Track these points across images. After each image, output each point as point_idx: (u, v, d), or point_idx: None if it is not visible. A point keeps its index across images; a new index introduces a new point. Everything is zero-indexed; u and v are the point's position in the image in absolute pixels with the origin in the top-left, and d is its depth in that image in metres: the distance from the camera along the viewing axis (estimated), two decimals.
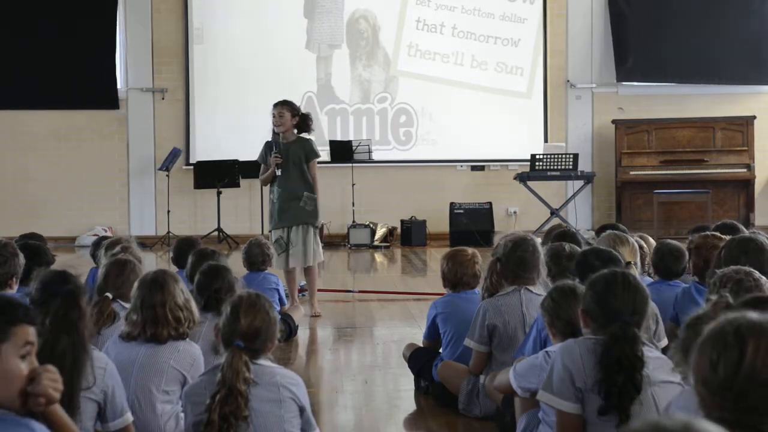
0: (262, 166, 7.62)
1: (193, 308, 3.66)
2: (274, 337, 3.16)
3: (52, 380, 2.34)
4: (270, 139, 7.57)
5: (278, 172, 7.40)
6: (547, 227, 9.12)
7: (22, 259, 4.43)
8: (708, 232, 5.03)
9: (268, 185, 7.64)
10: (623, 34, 13.47)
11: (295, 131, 7.45)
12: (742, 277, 3.50)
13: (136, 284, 3.70)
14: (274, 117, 7.39)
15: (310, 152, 7.45)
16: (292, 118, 7.41)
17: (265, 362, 3.15)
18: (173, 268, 5.49)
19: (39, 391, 2.28)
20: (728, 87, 13.55)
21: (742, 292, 3.33)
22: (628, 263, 4.35)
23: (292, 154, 7.42)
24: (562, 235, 5.35)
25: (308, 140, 7.51)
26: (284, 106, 7.42)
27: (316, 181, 7.49)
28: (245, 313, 3.10)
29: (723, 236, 4.82)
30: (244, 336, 3.08)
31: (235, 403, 3.01)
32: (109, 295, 3.95)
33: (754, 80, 13.54)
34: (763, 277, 3.55)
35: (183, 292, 3.64)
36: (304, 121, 7.44)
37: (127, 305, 3.98)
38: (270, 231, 7.70)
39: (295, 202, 7.40)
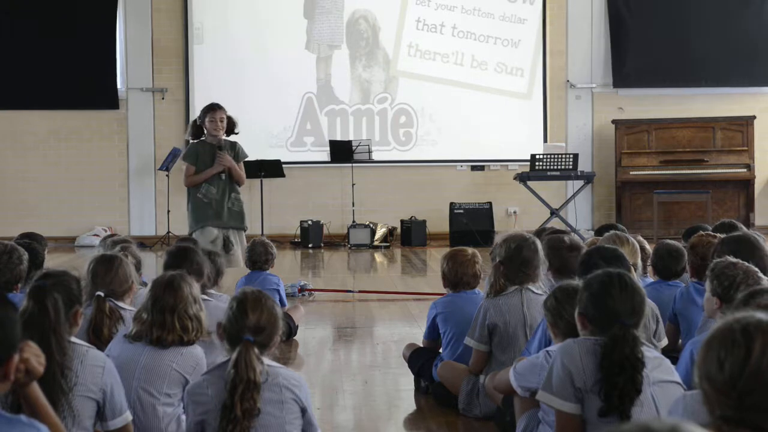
0: (188, 166, 7.73)
1: (203, 319, 3.64)
2: (278, 334, 3.17)
3: (35, 354, 2.36)
4: (195, 140, 7.76)
5: (223, 177, 7.67)
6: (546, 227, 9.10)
7: (26, 263, 4.49)
8: (702, 232, 5.03)
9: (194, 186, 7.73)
10: (621, 38, 13.45)
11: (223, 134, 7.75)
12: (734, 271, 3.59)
13: (150, 284, 3.69)
14: (214, 122, 7.59)
15: (241, 154, 7.79)
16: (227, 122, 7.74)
17: (268, 361, 3.14)
18: None
19: (23, 361, 2.29)
20: (728, 87, 13.54)
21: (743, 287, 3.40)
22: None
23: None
24: (555, 233, 5.33)
25: (237, 142, 7.80)
26: (224, 110, 7.70)
27: (244, 182, 7.90)
28: (252, 309, 3.10)
29: (719, 234, 4.82)
30: (253, 331, 3.08)
31: (251, 399, 3.01)
32: (101, 293, 3.89)
33: (753, 80, 13.54)
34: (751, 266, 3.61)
35: (196, 300, 3.61)
36: (232, 124, 7.72)
37: (122, 304, 3.97)
38: (197, 229, 7.59)
39: (228, 203, 7.69)
